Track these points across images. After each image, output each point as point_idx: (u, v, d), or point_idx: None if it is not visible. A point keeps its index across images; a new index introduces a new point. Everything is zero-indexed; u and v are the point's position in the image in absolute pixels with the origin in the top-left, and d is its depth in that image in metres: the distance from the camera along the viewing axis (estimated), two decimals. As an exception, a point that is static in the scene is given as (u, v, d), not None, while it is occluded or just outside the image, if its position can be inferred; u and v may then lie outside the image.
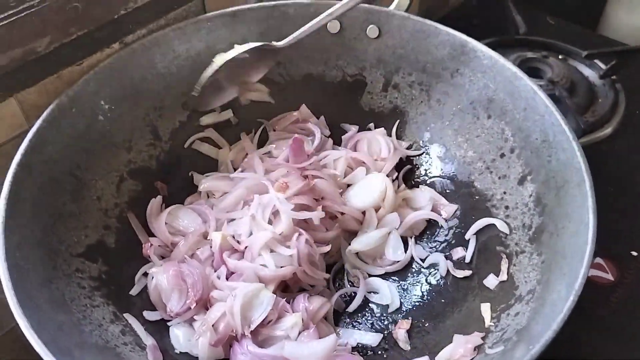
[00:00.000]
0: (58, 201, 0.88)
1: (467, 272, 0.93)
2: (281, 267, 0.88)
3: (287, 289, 0.93)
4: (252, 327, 0.82)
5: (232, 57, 0.95)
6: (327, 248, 0.94)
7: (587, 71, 1.41)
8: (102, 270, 0.90)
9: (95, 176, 0.95)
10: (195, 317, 0.88)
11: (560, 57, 1.42)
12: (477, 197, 0.99)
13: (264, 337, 0.84)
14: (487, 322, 0.83)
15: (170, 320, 0.89)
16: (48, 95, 0.93)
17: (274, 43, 0.98)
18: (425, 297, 0.94)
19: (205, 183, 1.04)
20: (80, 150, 0.93)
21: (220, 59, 0.95)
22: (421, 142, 1.08)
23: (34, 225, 0.82)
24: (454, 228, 1.00)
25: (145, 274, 0.93)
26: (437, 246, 1.00)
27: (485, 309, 0.85)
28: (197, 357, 0.85)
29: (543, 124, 0.90)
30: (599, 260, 1.04)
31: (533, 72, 1.33)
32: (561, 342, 0.68)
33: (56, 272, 0.82)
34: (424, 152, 1.08)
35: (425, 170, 1.07)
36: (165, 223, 0.97)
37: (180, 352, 0.86)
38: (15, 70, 0.88)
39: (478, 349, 0.80)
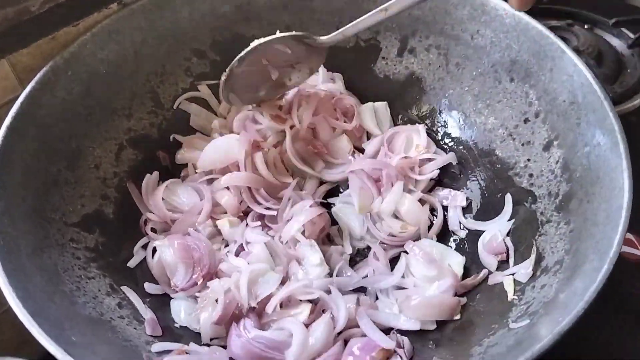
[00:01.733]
0: (52, 168, 0.84)
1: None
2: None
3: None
4: (258, 299, 0.77)
5: (268, 41, 0.87)
6: None
7: (614, 40, 1.33)
8: (99, 241, 0.85)
9: (93, 143, 0.90)
10: (197, 293, 0.82)
11: (586, 26, 1.35)
12: (498, 166, 0.93)
13: (267, 320, 0.79)
14: (510, 295, 0.77)
15: (173, 294, 0.84)
16: (42, 57, 0.88)
17: (318, 38, 0.90)
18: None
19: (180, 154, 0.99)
20: (76, 116, 0.88)
21: (255, 42, 0.87)
22: (439, 109, 1.02)
23: (24, 192, 0.78)
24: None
25: (145, 246, 0.88)
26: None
27: (509, 282, 0.79)
28: (198, 333, 0.80)
29: (572, 84, 0.83)
30: (629, 235, 0.97)
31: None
32: (586, 321, 0.62)
33: (48, 241, 0.78)
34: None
35: (443, 138, 1.01)
36: (163, 199, 0.92)
37: (180, 326, 0.81)
38: (8, 31, 0.83)
39: (500, 324, 0.74)
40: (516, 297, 0.76)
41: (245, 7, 1.01)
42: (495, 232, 0.87)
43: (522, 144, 0.90)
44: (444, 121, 1.01)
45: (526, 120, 0.90)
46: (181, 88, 1.01)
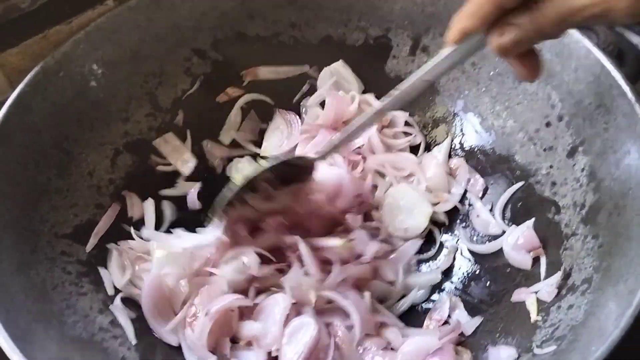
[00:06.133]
0: (42, 176, 0.79)
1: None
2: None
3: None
4: None
5: (253, 176, 0.77)
6: None
7: (636, 39, 1.27)
8: (92, 253, 0.80)
9: (87, 149, 0.85)
10: None
11: (606, 23, 1.29)
12: (518, 172, 0.87)
13: None
14: (534, 316, 0.71)
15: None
16: (33, 57, 0.84)
17: (310, 156, 0.80)
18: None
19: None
20: (68, 119, 0.84)
21: (238, 179, 0.77)
22: (454, 112, 0.96)
23: (9, 203, 0.73)
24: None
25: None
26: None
27: (531, 301, 0.73)
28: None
29: (598, 86, 0.77)
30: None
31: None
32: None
33: (36, 256, 0.73)
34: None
35: (458, 142, 0.95)
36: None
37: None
38: (-4, 29, 0.79)
39: (523, 348, 0.68)
40: (540, 319, 0.70)
41: (248, 4, 0.95)
42: (524, 228, 0.81)
43: (544, 150, 0.84)
44: (460, 124, 0.95)
45: (548, 124, 0.84)
46: (181, 89, 0.96)
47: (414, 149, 0.95)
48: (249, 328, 0.74)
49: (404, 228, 0.87)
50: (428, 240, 0.88)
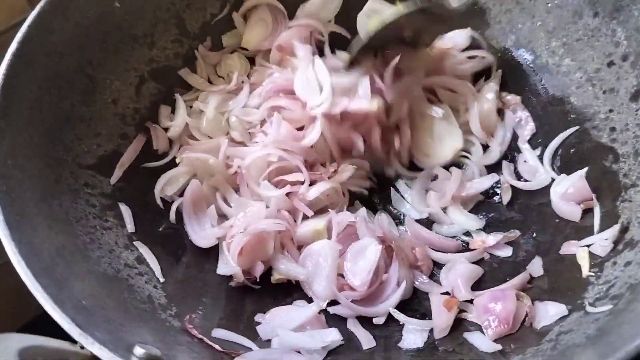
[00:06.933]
0: (65, 102, 0.74)
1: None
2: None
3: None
4: None
5: (391, 21, 0.75)
6: None
7: None
8: (117, 186, 0.76)
9: (111, 75, 0.80)
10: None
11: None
12: (572, 116, 0.80)
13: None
14: (585, 271, 0.66)
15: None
16: (54, -27, 0.77)
17: (449, 4, 0.78)
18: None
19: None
20: (92, 43, 0.78)
21: (374, 24, 0.76)
22: (504, 47, 0.88)
23: (32, 130, 0.69)
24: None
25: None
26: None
27: (583, 254, 0.68)
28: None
29: (674, 22, 0.69)
30: None
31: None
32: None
33: (59, 186, 0.69)
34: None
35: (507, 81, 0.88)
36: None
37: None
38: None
39: (574, 305, 0.63)
40: (593, 274, 0.66)
41: None
42: (575, 177, 0.76)
43: (604, 92, 0.77)
44: (511, 61, 0.87)
45: (610, 64, 0.77)
46: (210, 13, 0.89)
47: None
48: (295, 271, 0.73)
49: (427, 152, 0.84)
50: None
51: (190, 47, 0.88)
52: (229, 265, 0.72)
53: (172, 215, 0.78)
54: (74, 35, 0.75)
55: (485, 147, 0.85)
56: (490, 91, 0.85)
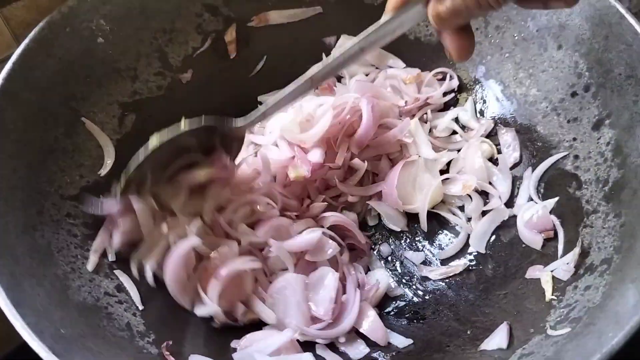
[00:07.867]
0: (49, 135, 0.77)
1: None
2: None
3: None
4: None
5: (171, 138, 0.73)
6: None
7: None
8: (98, 216, 0.78)
9: (94, 108, 0.83)
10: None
11: (639, -16, 1.22)
12: (539, 144, 0.83)
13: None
14: (548, 295, 0.69)
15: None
16: (39, 11, 0.80)
17: (235, 123, 0.76)
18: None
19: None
20: (76, 77, 0.80)
21: (153, 142, 0.72)
22: (474, 77, 0.92)
23: (16, 163, 0.71)
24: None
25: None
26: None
27: (547, 278, 0.71)
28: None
29: (630, 55, 0.72)
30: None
31: None
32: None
33: (42, 218, 0.71)
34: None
35: (478, 110, 0.91)
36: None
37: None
38: (1, -19, 0.76)
39: (536, 328, 0.66)
40: (555, 298, 0.68)
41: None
42: (539, 207, 0.79)
43: (568, 121, 0.81)
44: (481, 92, 0.91)
45: (574, 94, 0.80)
46: (192, 47, 0.92)
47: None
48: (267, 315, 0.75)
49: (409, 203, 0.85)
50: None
51: (172, 79, 0.91)
52: (208, 305, 0.72)
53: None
54: (58, 70, 0.78)
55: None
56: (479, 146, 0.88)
